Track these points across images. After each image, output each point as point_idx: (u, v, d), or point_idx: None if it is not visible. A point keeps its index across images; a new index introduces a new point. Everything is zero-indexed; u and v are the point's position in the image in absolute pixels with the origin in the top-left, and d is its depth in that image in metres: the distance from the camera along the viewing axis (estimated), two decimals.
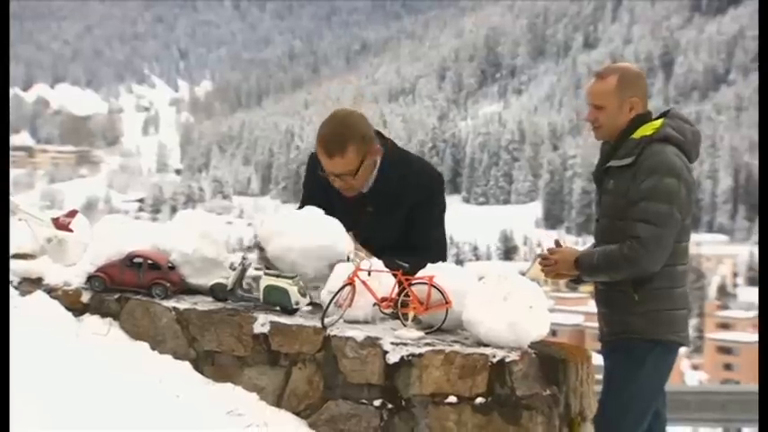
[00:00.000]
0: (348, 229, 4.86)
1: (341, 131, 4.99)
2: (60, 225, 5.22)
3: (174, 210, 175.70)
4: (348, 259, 4.60)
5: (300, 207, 5.15)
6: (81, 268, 4.92)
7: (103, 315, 4.79)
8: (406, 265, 4.53)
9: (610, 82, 4.96)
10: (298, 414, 4.48)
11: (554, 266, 5.00)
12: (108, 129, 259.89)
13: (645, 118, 4.96)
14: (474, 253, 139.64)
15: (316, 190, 5.19)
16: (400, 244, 4.99)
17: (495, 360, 4.25)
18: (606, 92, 4.95)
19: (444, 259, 4.99)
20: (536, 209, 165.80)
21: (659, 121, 4.92)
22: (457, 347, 4.34)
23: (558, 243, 5.12)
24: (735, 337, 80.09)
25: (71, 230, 5.22)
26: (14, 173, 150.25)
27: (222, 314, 4.66)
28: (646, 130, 4.89)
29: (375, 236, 5.02)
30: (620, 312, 4.90)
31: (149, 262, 4.81)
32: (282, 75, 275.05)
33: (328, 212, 4.89)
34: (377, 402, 4.37)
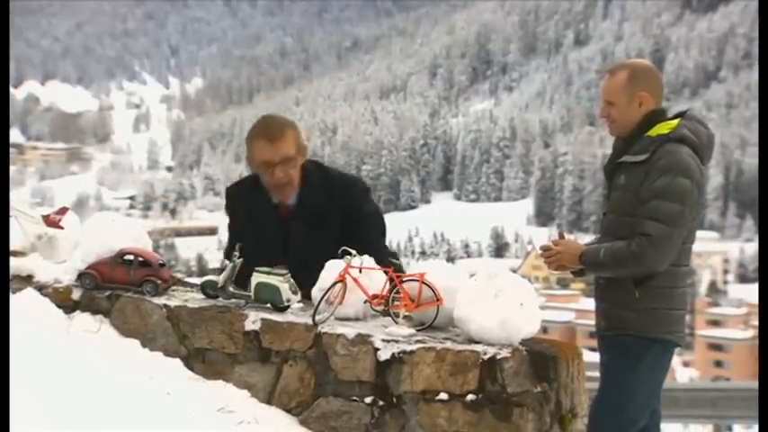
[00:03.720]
0: (282, 250, 4.93)
1: (279, 120, 5.22)
2: (51, 222, 5.22)
3: (165, 207, 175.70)
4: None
5: (231, 243, 5.18)
6: (71, 265, 4.91)
7: (94, 312, 4.78)
8: (398, 262, 4.53)
9: (619, 78, 4.97)
10: (289, 411, 4.48)
11: (556, 258, 5.00)
12: (99, 126, 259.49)
13: (660, 116, 4.95)
14: (465, 250, 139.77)
15: (243, 221, 5.25)
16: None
17: (486, 357, 4.25)
18: (616, 88, 4.96)
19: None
20: (527, 206, 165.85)
21: (675, 121, 4.92)
22: (448, 344, 4.34)
23: (561, 235, 5.11)
24: (725, 334, 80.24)
25: (62, 227, 5.21)
26: None
27: (213, 311, 4.65)
28: (662, 128, 4.88)
29: (309, 250, 4.98)
30: (619, 308, 4.89)
31: (140, 259, 4.81)
32: (273, 72, 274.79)
33: (258, 241, 4.99)
34: (368, 399, 4.37)
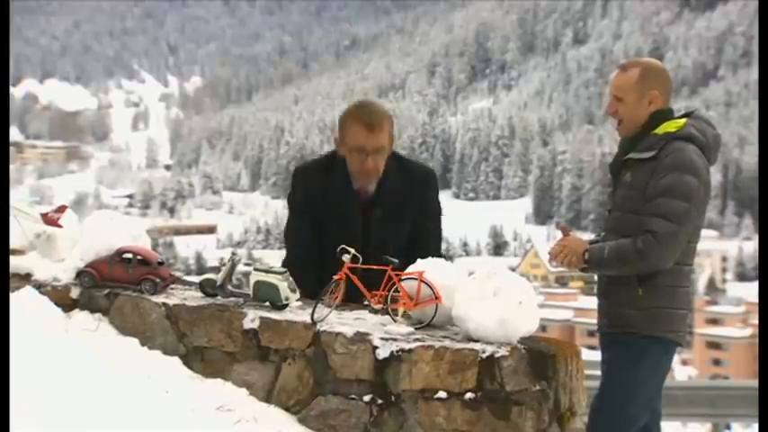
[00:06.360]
0: (360, 234, 4.99)
1: (378, 109, 5.18)
2: (49, 221, 5.21)
3: (163, 205, 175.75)
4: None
5: (293, 225, 5.22)
6: (70, 264, 4.90)
7: (93, 311, 4.78)
8: (396, 261, 4.53)
9: (631, 74, 4.94)
10: (287, 410, 4.47)
11: (564, 253, 4.98)
12: (97, 124, 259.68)
13: (667, 115, 4.94)
14: (464, 249, 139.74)
15: (310, 204, 5.20)
16: (409, 244, 5.10)
17: (484, 356, 4.25)
18: (627, 84, 4.93)
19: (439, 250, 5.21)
20: (526, 204, 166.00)
21: (683, 120, 4.91)
22: (446, 343, 4.33)
23: (565, 231, 5.10)
24: (724, 332, 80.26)
25: (60, 226, 5.21)
26: None
27: (212, 310, 4.65)
28: (669, 126, 4.87)
29: (387, 238, 5.10)
30: (622, 306, 4.88)
31: (139, 257, 4.80)
32: (272, 70, 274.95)
33: (328, 224, 5.04)
34: (366, 398, 4.37)
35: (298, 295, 4.69)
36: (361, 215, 5.11)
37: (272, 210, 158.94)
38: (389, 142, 5.12)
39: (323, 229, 5.11)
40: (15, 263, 4.97)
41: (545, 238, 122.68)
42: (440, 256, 4.84)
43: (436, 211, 5.35)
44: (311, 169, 5.35)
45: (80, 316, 4.75)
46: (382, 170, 5.12)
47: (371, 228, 5.09)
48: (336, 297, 4.49)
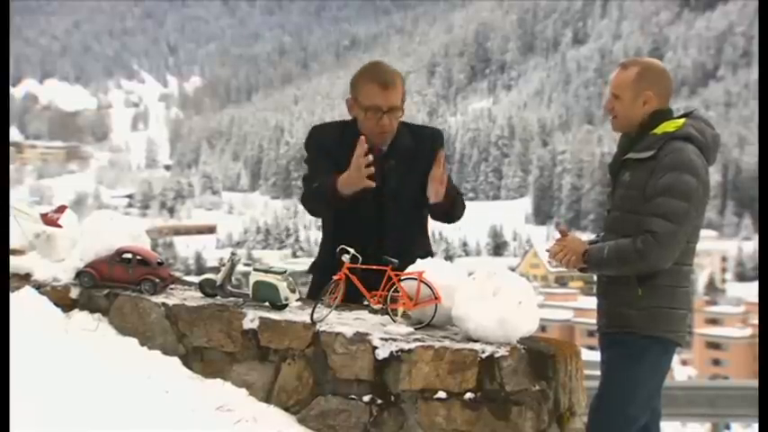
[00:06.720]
0: (377, 188, 4.99)
1: (391, 68, 5.23)
2: (49, 221, 5.21)
3: (163, 205, 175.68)
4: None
5: (310, 182, 5.16)
6: (70, 264, 4.90)
7: (92, 311, 4.78)
8: (396, 261, 4.53)
9: (630, 73, 4.96)
10: (287, 409, 4.47)
11: (562, 252, 4.97)
12: (97, 124, 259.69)
13: (666, 115, 4.95)
14: (463, 249, 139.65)
15: (328, 159, 5.15)
16: (424, 202, 5.13)
17: (484, 356, 4.25)
18: (624, 82, 4.95)
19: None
20: (526, 204, 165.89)
21: (681, 120, 4.91)
22: (446, 343, 4.33)
23: (564, 232, 5.09)
24: (724, 332, 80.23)
25: (60, 226, 5.21)
26: None
27: (211, 310, 4.65)
28: (668, 126, 4.88)
29: (401, 190, 5.14)
30: (621, 306, 4.88)
31: (138, 257, 4.80)
32: (272, 70, 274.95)
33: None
34: (366, 398, 4.37)
35: (297, 295, 4.69)
36: (376, 167, 5.05)
37: (272, 210, 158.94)
38: (402, 102, 5.17)
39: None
40: (15, 263, 4.97)
41: (545, 239, 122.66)
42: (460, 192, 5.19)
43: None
44: (327, 126, 5.44)
45: (80, 316, 4.75)
46: (394, 129, 5.17)
47: (386, 179, 5.09)
48: (336, 297, 4.50)
